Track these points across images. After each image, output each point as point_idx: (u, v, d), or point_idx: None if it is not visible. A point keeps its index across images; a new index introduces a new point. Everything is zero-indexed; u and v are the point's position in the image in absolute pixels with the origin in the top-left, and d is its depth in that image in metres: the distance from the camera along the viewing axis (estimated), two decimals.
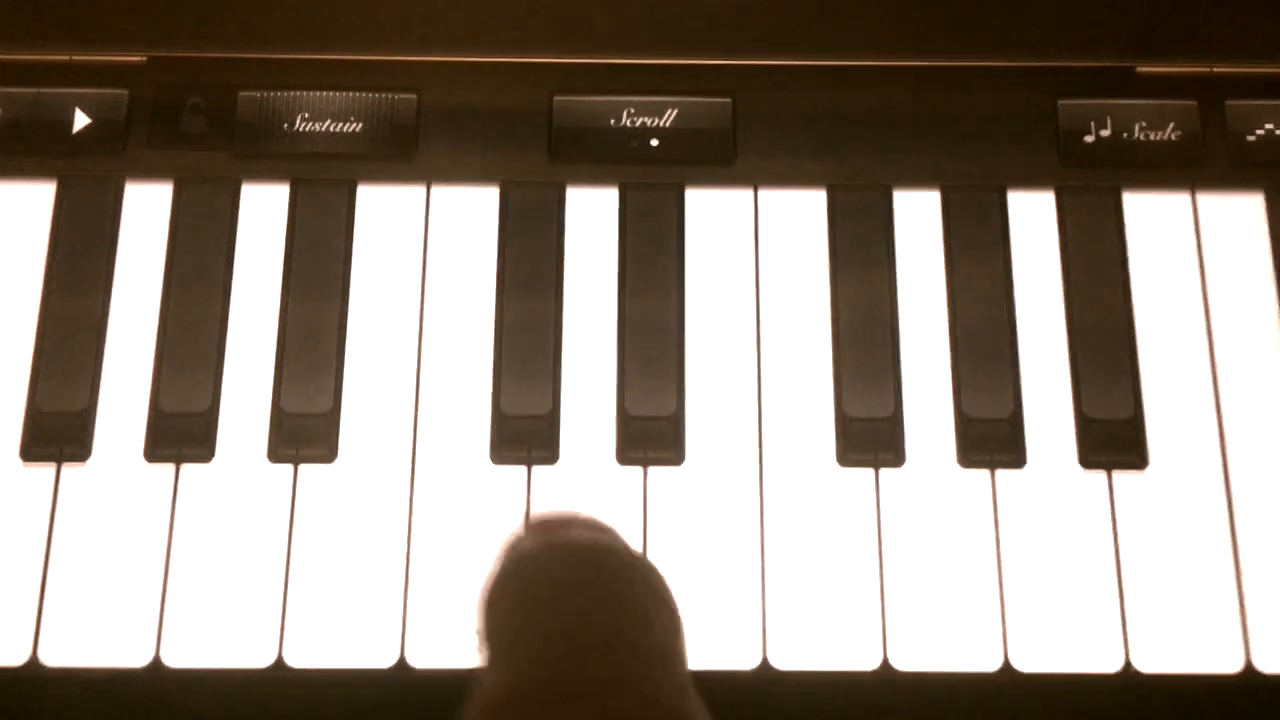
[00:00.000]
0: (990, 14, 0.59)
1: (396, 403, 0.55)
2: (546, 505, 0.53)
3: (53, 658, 0.51)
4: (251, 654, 0.51)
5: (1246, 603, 0.53)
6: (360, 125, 0.58)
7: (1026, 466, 0.54)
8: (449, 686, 0.51)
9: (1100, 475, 0.54)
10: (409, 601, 0.52)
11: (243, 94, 0.58)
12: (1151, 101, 0.59)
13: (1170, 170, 0.58)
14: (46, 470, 0.53)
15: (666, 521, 0.53)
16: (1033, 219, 0.58)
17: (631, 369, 0.55)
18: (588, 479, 0.54)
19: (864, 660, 0.52)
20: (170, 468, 0.54)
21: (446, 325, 0.56)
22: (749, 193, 0.58)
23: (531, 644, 0.36)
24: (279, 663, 0.51)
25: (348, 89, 0.58)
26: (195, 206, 0.57)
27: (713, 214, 0.58)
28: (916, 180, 0.58)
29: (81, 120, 0.58)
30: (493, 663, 0.36)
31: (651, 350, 0.56)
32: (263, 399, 0.55)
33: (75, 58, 0.58)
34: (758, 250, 0.57)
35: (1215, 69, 0.59)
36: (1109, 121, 0.59)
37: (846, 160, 0.58)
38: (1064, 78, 0.59)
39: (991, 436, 0.55)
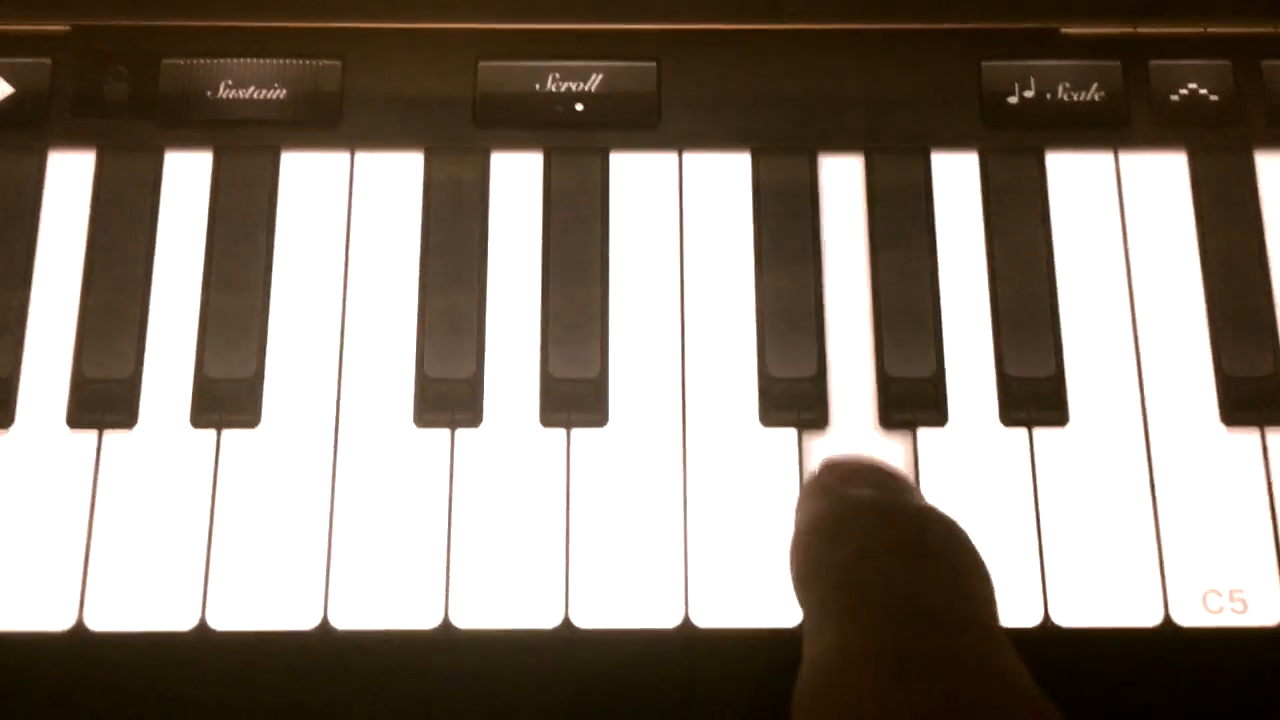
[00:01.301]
0: None
1: (321, 367, 0.55)
2: (470, 467, 0.53)
3: None
4: (173, 618, 0.51)
5: (1165, 557, 0.53)
6: (284, 92, 0.58)
7: (948, 425, 0.55)
8: (372, 647, 0.52)
9: (1021, 432, 0.54)
10: (331, 565, 0.52)
11: (165, 61, 0.58)
12: (1075, 62, 0.59)
13: (1094, 130, 0.59)
14: None
15: (590, 483, 0.54)
16: (956, 180, 0.58)
17: (555, 331, 0.55)
18: (511, 441, 0.54)
19: (787, 618, 0.52)
20: (93, 434, 0.54)
21: (370, 290, 0.56)
22: (673, 156, 0.58)
23: (871, 609, 0.35)
24: (201, 625, 0.51)
25: (271, 56, 0.58)
26: (118, 175, 0.57)
27: (637, 177, 0.58)
28: (841, 143, 0.58)
29: (4, 89, 0.58)
30: (826, 622, 0.35)
31: (576, 313, 0.56)
32: (186, 365, 0.55)
33: None
34: (682, 213, 0.57)
35: (1139, 29, 0.60)
36: (1032, 82, 0.59)
37: (771, 124, 0.58)
38: (987, 39, 0.59)
39: (913, 396, 0.55)
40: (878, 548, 0.37)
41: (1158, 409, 0.55)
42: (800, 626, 0.51)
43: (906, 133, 0.58)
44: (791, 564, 0.40)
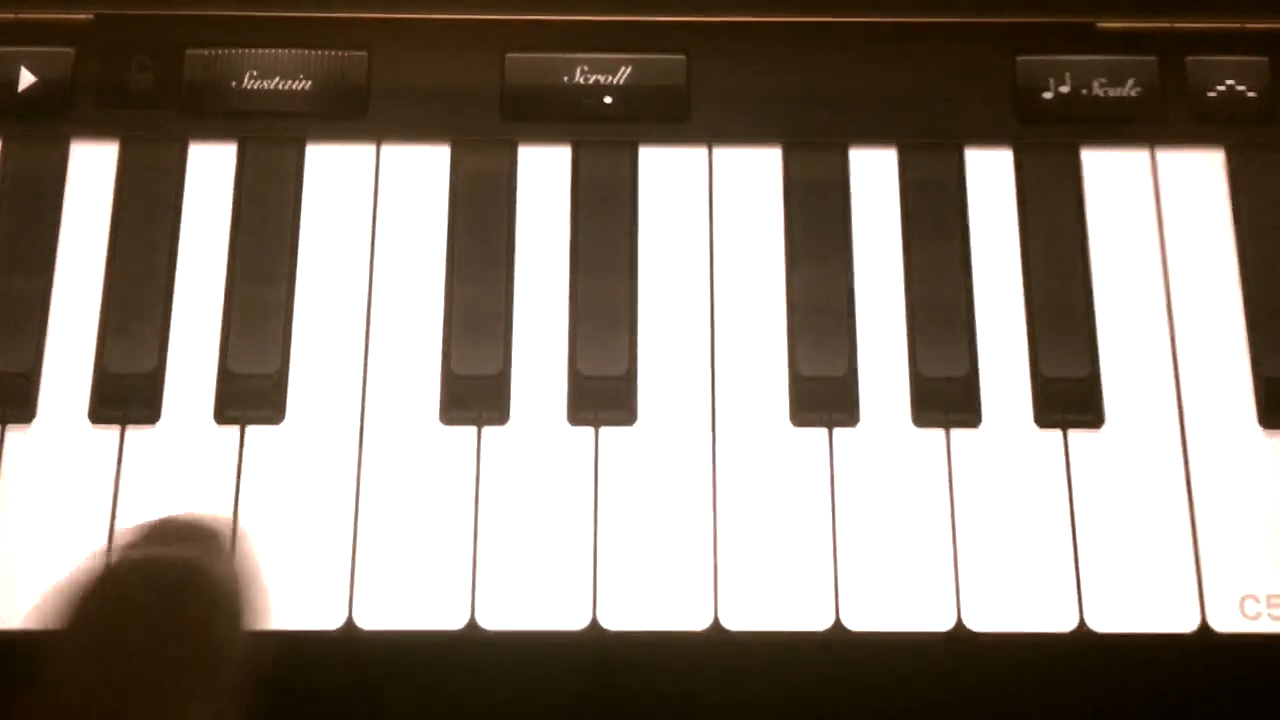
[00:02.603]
0: None
1: (345, 363, 0.54)
2: (496, 466, 0.53)
3: None
4: None
5: (1202, 562, 0.52)
6: (310, 83, 0.57)
7: (982, 425, 0.54)
8: (396, 647, 0.51)
9: (1055, 434, 0.54)
10: (356, 564, 0.52)
11: (190, 52, 0.57)
12: (1111, 57, 0.58)
13: (1130, 127, 0.58)
14: None
15: (618, 483, 0.53)
16: (990, 176, 0.57)
17: (583, 328, 0.55)
18: (538, 439, 0.53)
19: (816, 620, 0.51)
20: (115, 430, 0.53)
21: (396, 285, 0.55)
22: (703, 150, 0.57)
23: (60, 666, 0.35)
24: None
25: (297, 47, 0.57)
26: (141, 166, 0.56)
27: (667, 172, 0.57)
28: (872, 138, 0.57)
29: (27, 79, 0.57)
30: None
31: (604, 309, 0.55)
32: (209, 360, 0.54)
33: (22, 16, 0.58)
34: (712, 208, 0.57)
35: (1176, 24, 0.59)
36: (1068, 78, 0.58)
37: (802, 118, 0.57)
38: (1022, 33, 0.58)
39: (946, 395, 0.54)
40: (100, 617, 0.36)
41: (1194, 411, 0.54)
42: (829, 630, 0.51)
43: (940, 128, 0.57)
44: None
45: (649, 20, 0.58)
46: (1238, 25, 0.59)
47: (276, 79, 0.57)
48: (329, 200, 0.56)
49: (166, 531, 0.39)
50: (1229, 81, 0.58)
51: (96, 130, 0.56)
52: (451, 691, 0.51)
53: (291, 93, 0.57)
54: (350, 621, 0.51)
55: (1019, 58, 0.58)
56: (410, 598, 0.51)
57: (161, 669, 0.36)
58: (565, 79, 0.58)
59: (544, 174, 0.57)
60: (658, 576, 0.52)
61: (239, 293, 0.55)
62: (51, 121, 0.57)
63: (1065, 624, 0.51)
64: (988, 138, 0.58)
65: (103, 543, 0.51)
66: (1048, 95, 0.58)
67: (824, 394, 0.54)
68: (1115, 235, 0.56)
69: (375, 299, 0.55)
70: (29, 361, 0.53)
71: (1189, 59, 0.58)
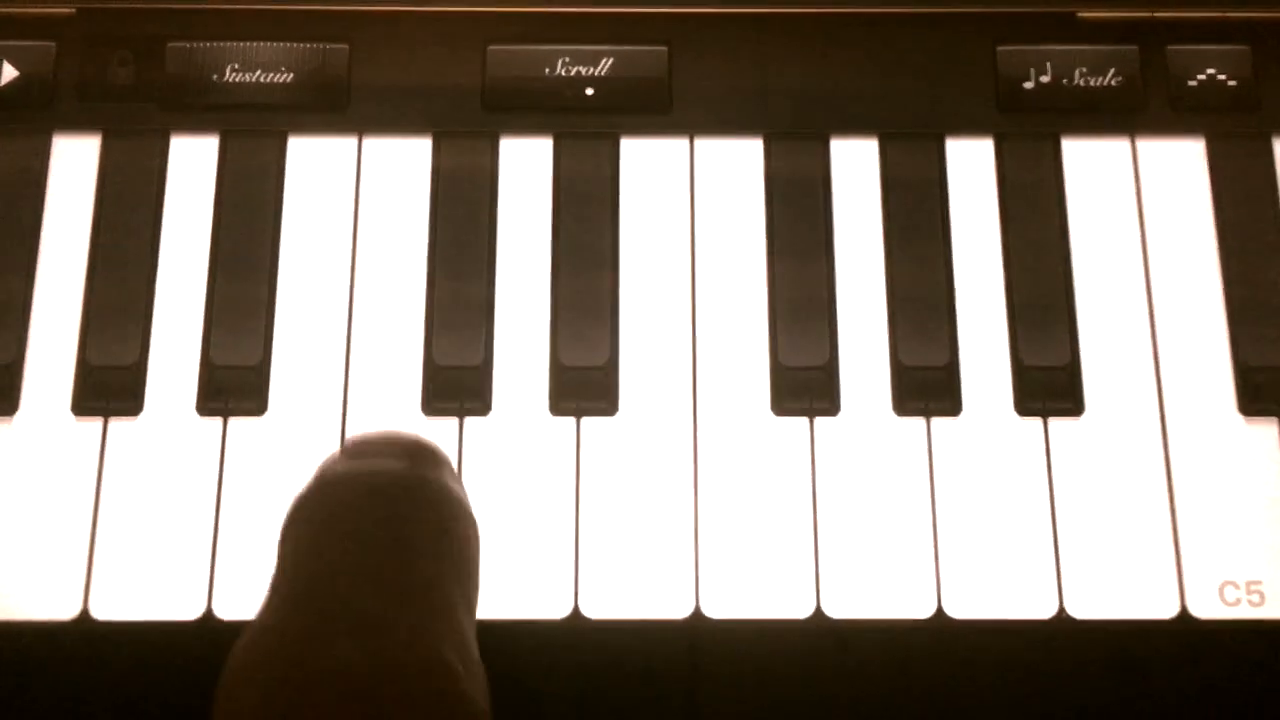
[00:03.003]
0: None
1: (328, 355, 0.54)
2: (479, 456, 0.53)
3: None
4: (178, 607, 0.51)
5: (1181, 548, 0.52)
6: (291, 76, 0.57)
7: (962, 414, 0.54)
8: None
9: (1036, 422, 0.54)
10: None
11: (171, 45, 0.57)
12: (1092, 47, 0.58)
13: (1110, 116, 0.58)
14: None
15: (599, 472, 0.53)
16: (971, 166, 0.57)
17: (565, 319, 0.55)
18: (520, 429, 0.53)
19: (797, 608, 0.52)
20: (98, 422, 0.53)
21: (378, 277, 0.55)
22: (685, 141, 0.57)
23: (300, 577, 0.35)
24: (208, 614, 0.51)
25: (278, 39, 0.58)
26: (123, 159, 0.56)
27: (648, 163, 0.57)
28: (854, 128, 0.58)
29: (9, 73, 0.57)
30: (269, 591, 0.36)
31: (586, 300, 0.55)
32: (192, 352, 0.54)
33: (3, 10, 0.58)
34: (693, 199, 0.57)
35: (1156, 13, 0.59)
36: (1048, 67, 0.58)
37: (784, 109, 0.58)
38: (1003, 23, 0.59)
39: (927, 384, 0.54)
40: (334, 527, 0.36)
41: (1174, 399, 0.54)
42: (809, 618, 0.51)
43: (921, 118, 0.58)
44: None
45: (630, 12, 0.58)
46: (1218, 14, 0.59)
47: (258, 72, 0.57)
48: (311, 192, 0.56)
49: (394, 444, 0.39)
50: (1209, 70, 0.58)
51: (79, 123, 0.57)
52: None
53: (273, 85, 0.57)
54: None
55: (1000, 48, 0.58)
56: None
57: (415, 544, 0.36)
58: (547, 71, 0.58)
59: (525, 165, 0.57)
60: (639, 565, 0.52)
61: (221, 285, 0.55)
62: (34, 115, 0.57)
63: (1045, 611, 0.52)
64: (969, 127, 0.58)
65: (86, 533, 0.52)
66: (1028, 85, 0.58)
67: (805, 383, 0.54)
68: (1096, 224, 0.56)
69: (357, 291, 0.55)
70: (11, 354, 0.54)
71: (1170, 48, 0.58)
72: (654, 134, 0.57)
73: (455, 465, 0.53)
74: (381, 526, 0.36)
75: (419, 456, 0.39)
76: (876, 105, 0.58)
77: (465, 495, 0.40)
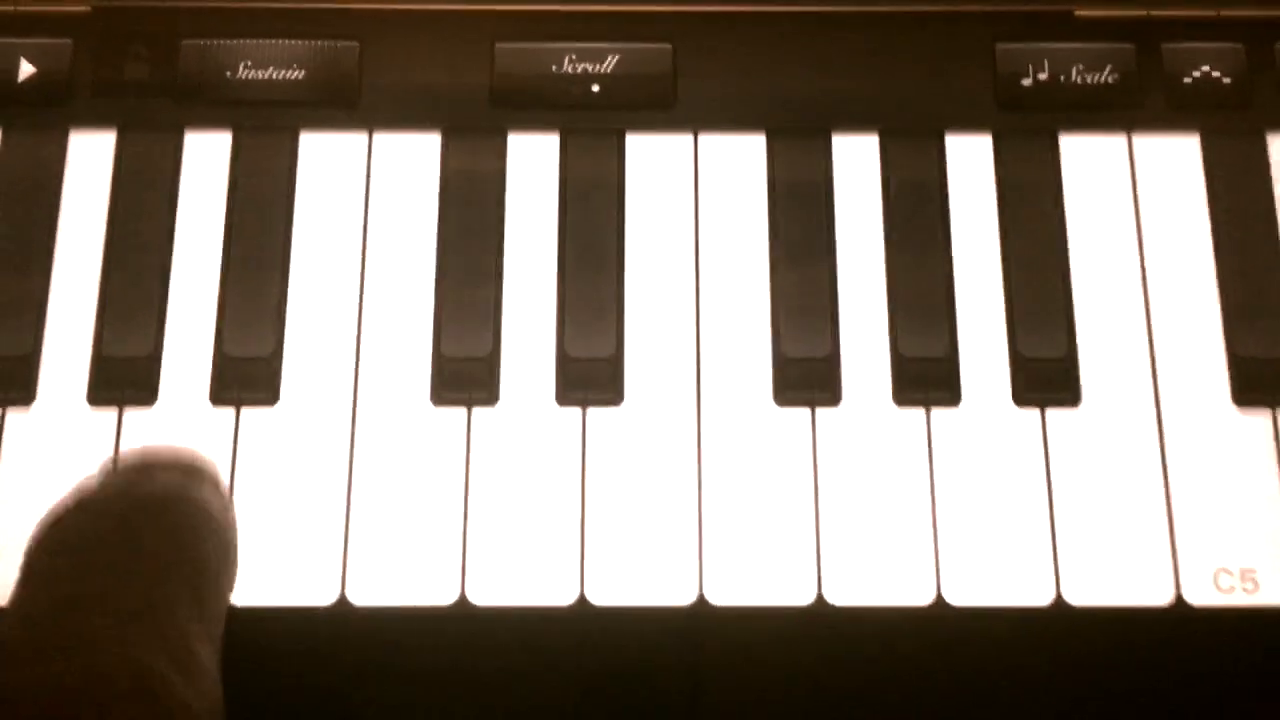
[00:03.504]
0: None
1: (338, 346, 0.55)
2: (486, 446, 0.54)
3: None
4: None
5: (1177, 536, 0.53)
6: (303, 73, 0.58)
7: (961, 404, 0.55)
8: (388, 622, 0.52)
9: (1034, 412, 0.55)
10: (349, 541, 0.53)
11: (185, 42, 0.58)
12: (1089, 45, 0.59)
13: (1107, 113, 0.59)
14: None
15: (605, 462, 0.54)
16: (970, 162, 0.58)
17: (571, 311, 0.56)
18: (527, 420, 0.54)
19: (799, 595, 0.53)
20: (113, 411, 0.54)
21: (388, 270, 0.56)
22: (689, 137, 0.58)
23: (28, 598, 0.37)
24: None
25: (290, 37, 0.59)
26: (138, 154, 0.57)
27: (653, 158, 0.58)
28: (855, 124, 0.59)
29: (27, 70, 0.58)
30: (7, 606, 0.37)
31: (592, 293, 0.56)
32: (205, 343, 0.55)
33: (21, 8, 0.59)
34: (697, 193, 0.58)
35: (1152, 12, 0.60)
36: (1046, 65, 0.59)
37: (786, 106, 0.59)
38: (1002, 21, 0.60)
39: (927, 375, 0.55)
40: (63, 536, 0.38)
41: (1170, 389, 0.55)
42: (811, 605, 0.52)
43: (921, 114, 0.59)
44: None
45: (636, 10, 0.59)
46: (1214, 13, 0.60)
47: (270, 69, 0.58)
48: (322, 187, 0.57)
49: (150, 461, 0.41)
50: (1204, 68, 0.59)
51: (94, 120, 0.58)
52: (441, 666, 0.52)
53: (285, 82, 0.58)
54: (343, 598, 0.52)
55: (999, 45, 0.59)
56: (402, 575, 0.52)
57: (141, 566, 0.37)
58: (554, 68, 0.59)
59: (533, 161, 0.58)
60: (644, 553, 0.53)
61: (234, 277, 0.56)
62: (50, 111, 0.58)
63: (1043, 598, 0.52)
64: (968, 124, 0.59)
65: None
66: (1027, 82, 0.59)
67: (807, 374, 0.55)
68: (1093, 219, 0.57)
69: (367, 283, 0.56)
70: (29, 345, 0.55)
71: (1165, 46, 0.59)
72: (659, 130, 0.58)
73: (463, 455, 0.54)
74: (113, 549, 0.38)
75: (173, 471, 0.41)
76: (878, 102, 0.59)
77: (223, 506, 0.41)
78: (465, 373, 0.55)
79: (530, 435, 0.54)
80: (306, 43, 0.59)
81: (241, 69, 0.58)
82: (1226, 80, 0.59)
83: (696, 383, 0.55)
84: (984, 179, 0.58)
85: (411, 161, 0.58)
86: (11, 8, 0.59)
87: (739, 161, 0.58)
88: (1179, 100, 0.59)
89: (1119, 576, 0.53)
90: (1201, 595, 0.53)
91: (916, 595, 0.53)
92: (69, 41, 0.58)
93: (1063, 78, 0.59)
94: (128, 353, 0.55)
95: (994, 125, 0.59)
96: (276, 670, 0.52)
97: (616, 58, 0.59)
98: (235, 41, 0.58)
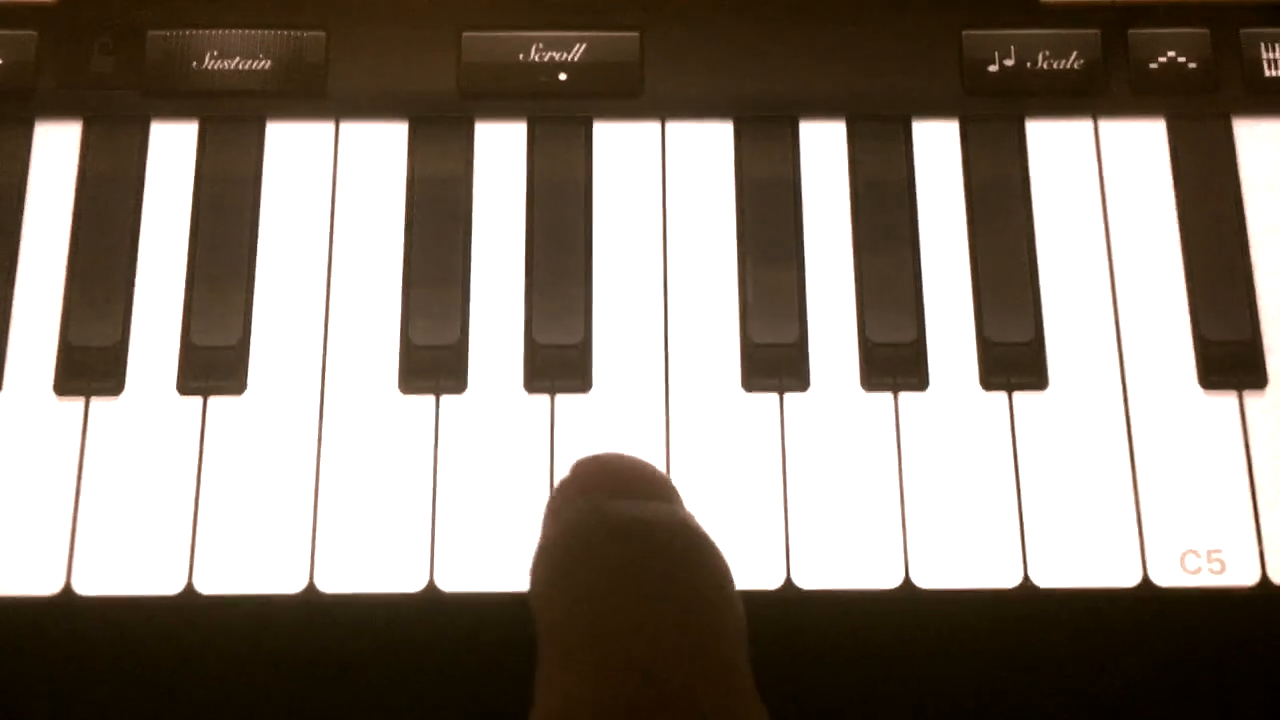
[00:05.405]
0: None
1: (306, 335, 0.55)
2: (455, 433, 0.54)
3: None
4: (160, 581, 0.52)
5: (1143, 518, 0.53)
6: (269, 63, 0.58)
7: (929, 389, 0.55)
8: (357, 609, 0.52)
9: (1001, 396, 0.55)
10: (317, 530, 0.53)
11: (151, 33, 0.58)
12: (1055, 31, 0.60)
13: (1073, 98, 0.59)
14: None
15: (574, 449, 0.54)
16: (937, 147, 0.58)
17: (539, 298, 0.56)
18: (495, 407, 0.54)
19: (768, 579, 0.53)
20: (79, 401, 0.54)
21: (355, 259, 0.56)
22: (656, 125, 0.58)
23: (595, 647, 0.32)
24: (188, 589, 0.52)
25: (256, 27, 0.59)
26: (104, 145, 0.57)
27: (621, 146, 0.58)
28: (822, 111, 0.59)
29: None
30: (552, 661, 0.33)
31: (559, 280, 0.56)
32: (172, 333, 0.55)
33: None
34: (665, 180, 0.58)
35: None
36: (1013, 51, 0.59)
37: (754, 93, 0.59)
38: (968, 8, 0.60)
39: (895, 360, 0.55)
40: (625, 585, 0.33)
41: (1136, 373, 0.55)
42: (780, 588, 0.52)
43: (888, 101, 0.59)
44: (532, 580, 0.36)
45: None
46: None
47: (236, 59, 0.58)
48: (289, 177, 0.57)
49: (618, 478, 0.36)
50: (1170, 53, 0.59)
51: (60, 111, 0.58)
52: (410, 651, 0.52)
53: (251, 72, 0.58)
54: (312, 585, 0.52)
55: (965, 32, 0.60)
56: (370, 562, 0.52)
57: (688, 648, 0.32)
58: (521, 56, 0.59)
59: (500, 149, 0.58)
60: None
61: (201, 267, 0.56)
62: (15, 102, 0.58)
63: (1010, 580, 0.53)
64: (935, 110, 0.59)
65: (67, 510, 0.52)
66: (993, 68, 0.59)
67: (775, 360, 0.55)
68: (1059, 203, 0.58)
69: (335, 273, 0.56)
70: None
71: (1131, 32, 0.60)
72: (626, 118, 0.58)
73: (431, 443, 0.54)
74: (669, 583, 0.33)
75: (670, 492, 0.36)
76: (845, 88, 0.59)
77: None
78: (433, 360, 0.55)
79: (499, 423, 0.54)
80: (273, 33, 0.58)
81: (208, 59, 0.58)
82: (1192, 65, 0.59)
83: (665, 369, 0.55)
84: (951, 165, 0.58)
85: (378, 150, 0.58)
86: None
87: (706, 149, 0.58)
88: (1145, 85, 0.59)
89: (1086, 558, 0.53)
90: (1168, 576, 0.53)
91: (885, 578, 0.53)
92: (34, 33, 0.58)
93: (1029, 64, 0.59)
94: (94, 342, 0.55)
95: (961, 111, 0.59)
96: (247, 658, 0.52)
97: (584, 46, 0.59)
98: (201, 32, 0.58)
